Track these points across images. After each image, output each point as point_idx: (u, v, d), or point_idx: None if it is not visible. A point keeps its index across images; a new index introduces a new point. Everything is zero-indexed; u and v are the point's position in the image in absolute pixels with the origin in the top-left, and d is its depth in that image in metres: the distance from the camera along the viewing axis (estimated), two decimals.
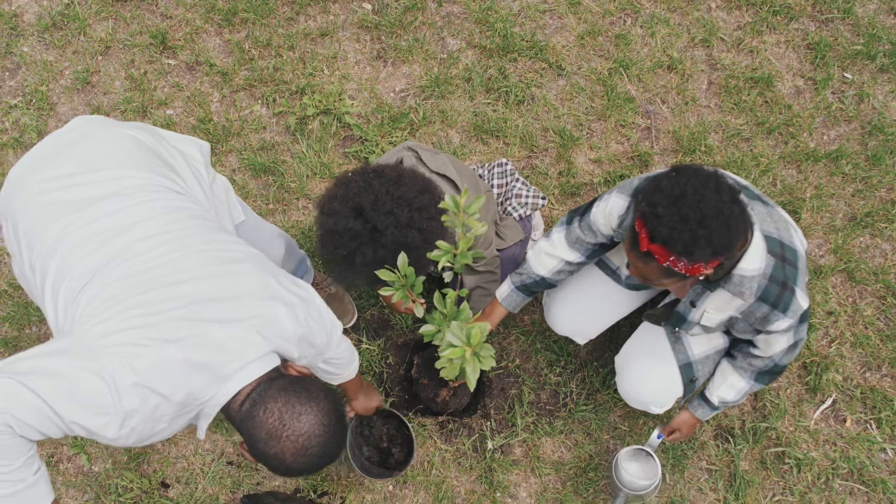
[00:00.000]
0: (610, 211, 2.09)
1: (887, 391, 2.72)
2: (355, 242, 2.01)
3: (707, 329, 2.15)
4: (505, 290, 2.39)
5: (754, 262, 1.90)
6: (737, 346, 2.25)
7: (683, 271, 1.77)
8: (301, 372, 1.71)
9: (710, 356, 2.31)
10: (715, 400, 2.31)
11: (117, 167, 1.80)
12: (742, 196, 1.77)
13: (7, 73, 3.22)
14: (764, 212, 1.98)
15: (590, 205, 2.18)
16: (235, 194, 2.27)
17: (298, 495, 2.72)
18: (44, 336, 2.90)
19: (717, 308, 2.05)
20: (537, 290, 2.36)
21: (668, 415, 2.71)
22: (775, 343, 2.09)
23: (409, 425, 2.63)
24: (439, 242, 1.88)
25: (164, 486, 2.75)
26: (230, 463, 2.76)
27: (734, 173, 2.91)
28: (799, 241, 2.02)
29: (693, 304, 2.09)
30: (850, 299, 2.83)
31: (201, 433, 1.69)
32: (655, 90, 3.08)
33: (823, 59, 3.08)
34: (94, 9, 3.25)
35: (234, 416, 1.63)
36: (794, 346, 2.11)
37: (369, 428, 2.73)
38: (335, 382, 2.19)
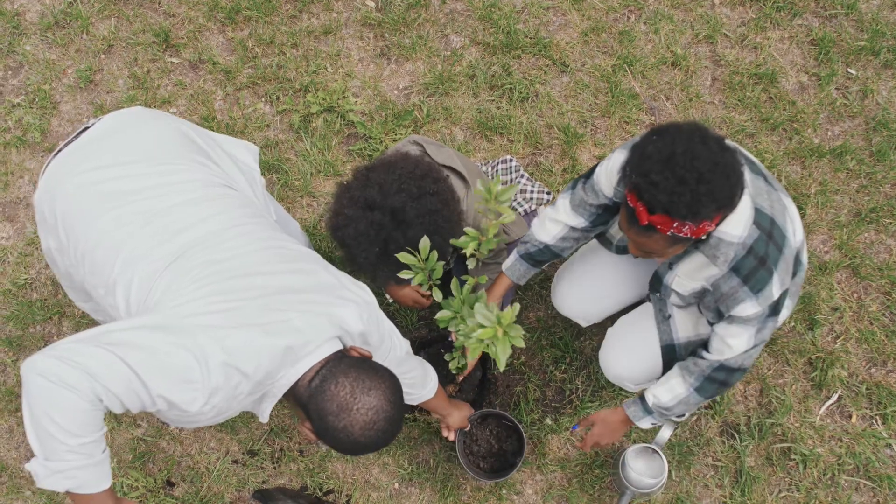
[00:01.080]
0: (612, 167, 2.01)
1: (893, 387, 2.72)
2: (383, 233, 2.03)
3: (681, 297, 2.08)
4: (510, 261, 2.35)
5: (737, 227, 1.81)
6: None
7: (689, 234, 1.70)
8: (363, 354, 1.76)
9: (694, 342, 2.25)
10: (649, 398, 2.19)
11: (168, 161, 1.88)
12: (728, 143, 1.70)
13: (10, 72, 3.21)
14: (763, 188, 1.89)
15: (594, 167, 2.13)
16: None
17: (305, 493, 2.72)
18: (48, 335, 2.89)
19: (687, 274, 1.98)
20: (542, 258, 2.30)
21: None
22: (734, 339, 1.97)
23: (506, 413, 2.63)
24: (466, 229, 1.89)
25: (170, 484, 2.75)
26: (235, 461, 2.76)
27: None
28: (792, 231, 1.92)
29: (670, 267, 2.05)
30: (856, 295, 2.82)
31: (265, 417, 1.76)
32: (659, 87, 3.08)
33: (827, 55, 3.08)
34: (96, 7, 3.25)
35: (302, 393, 1.68)
36: (750, 349, 2.00)
37: (475, 443, 2.71)
38: (414, 402, 2.26)
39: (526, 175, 2.81)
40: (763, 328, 1.96)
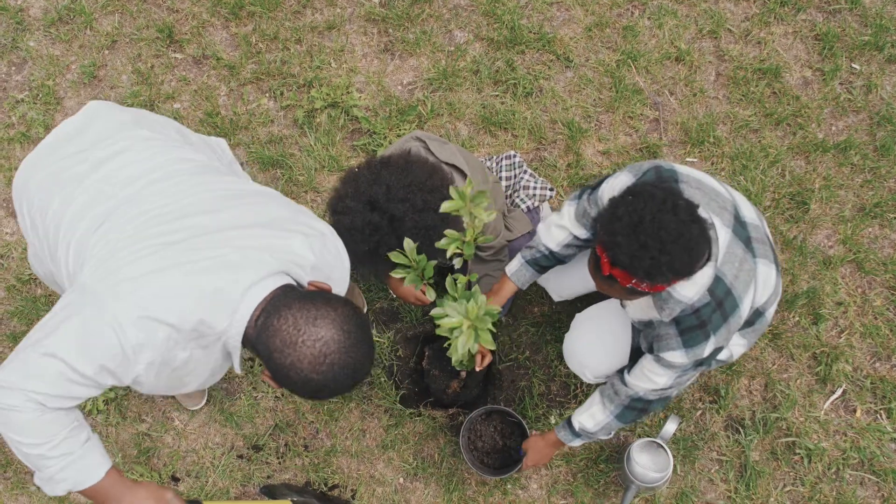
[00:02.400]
0: (615, 186, 2.07)
1: None
2: (377, 235, 2.02)
3: (633, 320, 2.15)
4: (515, 266, 2.35)
5: (690, 290, 1.89)
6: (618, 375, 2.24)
7: (647, 290, 1.79)
8: (321, 287, 1.64)
9: None
10: (575, 423, 2.28)
11: (125, 136, 1.83)
12: (700, 212, 1.76)
13: (14, 68, 3.21)
14: (738, 255, 1.95)
15: (601, 181, 2.16)
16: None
17: (310, 488, 2.72)
18: None
19: (639, 307, 2.06)
20: (547, 265, 2.32)
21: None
22: (656, 376, 2.06)
23: (509, 409, 2.63)
24: (447, 231, 1.88)
25: (175, 479, 2.75)
26: (240, 456, 2.76)
27: (743, 165, 2.92)
28: (749, 302, 1.98)
29: None
30: (860, 290, 2.82)
31: (238, 369, 1.66)
32: (663, 82, 3.08)
33: (831, 50, 3.08)
34: (100, 3, 3.24)
35: (251, 336, 1.56)
36: (669, 388, 2.09)
37: (480, 439, 2.71)
38: None
39: (529, 171, 2.80)
40: (684, 375, 2.06)
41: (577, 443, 2.34)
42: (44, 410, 1.56)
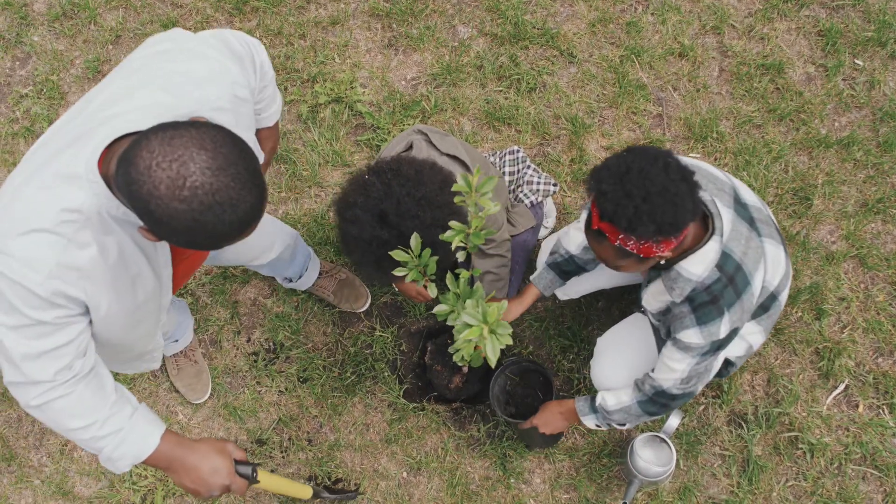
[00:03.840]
0: None
1: None
2: (382, 249, 2.00)
3: (652, 315, 2.15)
4: (538, 271, 2.39)
5: (698, 267, 1.89)
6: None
7: (635, 251, 1.77)
8: (195, 119, 1.43)
9: None
10: (598, 398, 2.27)
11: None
12: (695, 178, 1.76)
13: (18, 63, 3.22)
14: (744, 233, 1.96)
15: None
16: None
17: (312, 483, 2.72)
18: None
19: (653, 295, 2.07)
20: (568, 269, 2.34)
21: None
22: (675, 363, 2.05)
23: (541, 367, 2.60)
24: (452, 223, 1.88)
25: None
26: (244, 451, 2.76)
27: (746, 160, 2.92)
28: (761, 278, 1.98)
29: (646, 285, 2.12)
30: (862, 285, 2.83)
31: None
32: (667, 77, 3.08)
33: (834, 46, 3.08)
34: None
35: (114, 182, 1.39)
36: (687, 379, 2.08)
37: (513, 395, 2.68)
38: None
39: (532, 166, 2.81)
40: (702, 361, 2.05)
41: (590, 420, 2.31)
42: (60, 385, 1.56)
